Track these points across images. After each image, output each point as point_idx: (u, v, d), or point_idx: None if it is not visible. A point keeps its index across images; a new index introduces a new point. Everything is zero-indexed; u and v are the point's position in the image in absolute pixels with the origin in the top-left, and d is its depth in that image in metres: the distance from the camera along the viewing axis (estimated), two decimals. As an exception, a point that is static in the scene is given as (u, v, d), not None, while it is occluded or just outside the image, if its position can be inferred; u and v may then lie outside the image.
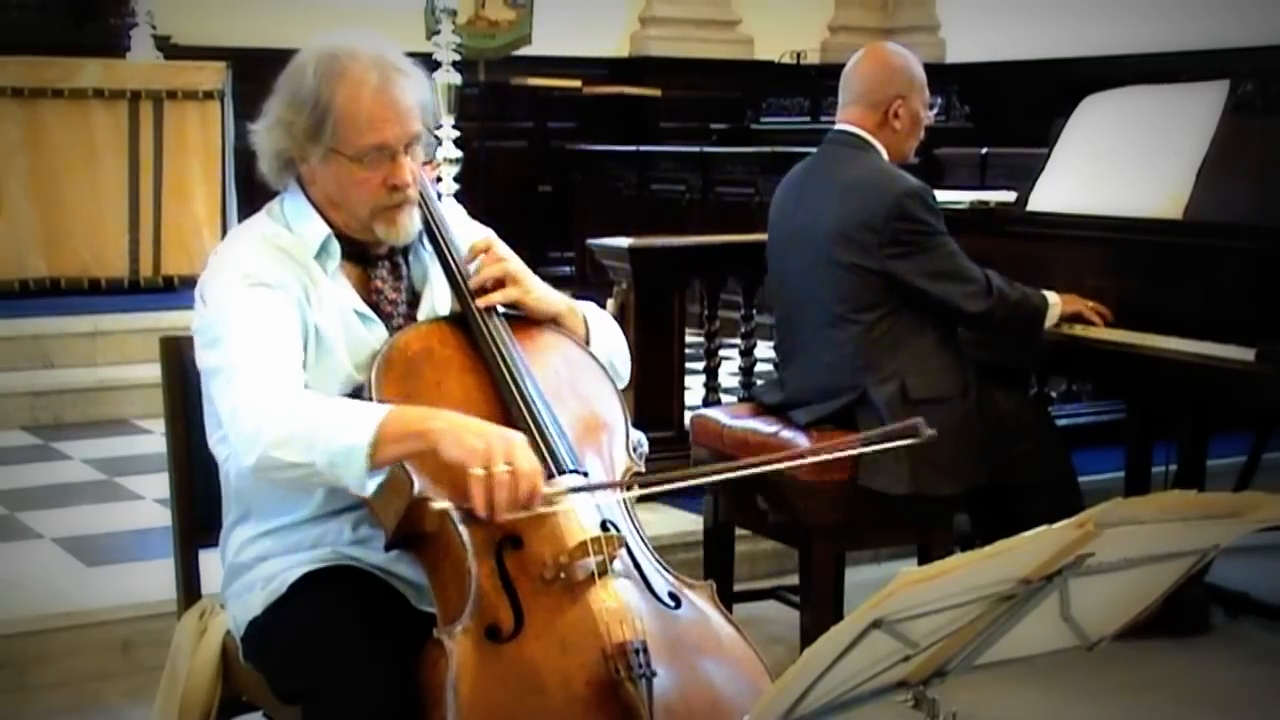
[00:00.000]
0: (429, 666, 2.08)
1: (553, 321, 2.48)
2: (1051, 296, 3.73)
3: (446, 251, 2.43)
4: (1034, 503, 3.66)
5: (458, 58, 6.54)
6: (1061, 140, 4.11)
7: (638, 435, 2.42)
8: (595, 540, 2.15)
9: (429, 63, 5.59)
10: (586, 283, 8.35)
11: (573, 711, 2.03)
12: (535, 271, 2.49)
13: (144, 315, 6.47)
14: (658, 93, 10.28)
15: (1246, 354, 3.36)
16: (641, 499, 2.41)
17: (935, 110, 3.94)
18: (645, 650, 2.06)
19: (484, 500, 2.09)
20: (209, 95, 7.23)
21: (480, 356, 2.34)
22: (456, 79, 6.52)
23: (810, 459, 2.17)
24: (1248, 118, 3.73)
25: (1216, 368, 3.44)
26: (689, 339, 4.89)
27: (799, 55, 10.75)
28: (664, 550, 2.39)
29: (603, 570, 2.14)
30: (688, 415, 4.47)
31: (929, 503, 3.56)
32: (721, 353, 5.08)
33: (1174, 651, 3.92)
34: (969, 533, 4.02)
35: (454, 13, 6.67)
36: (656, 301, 4.69)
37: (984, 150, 7.43)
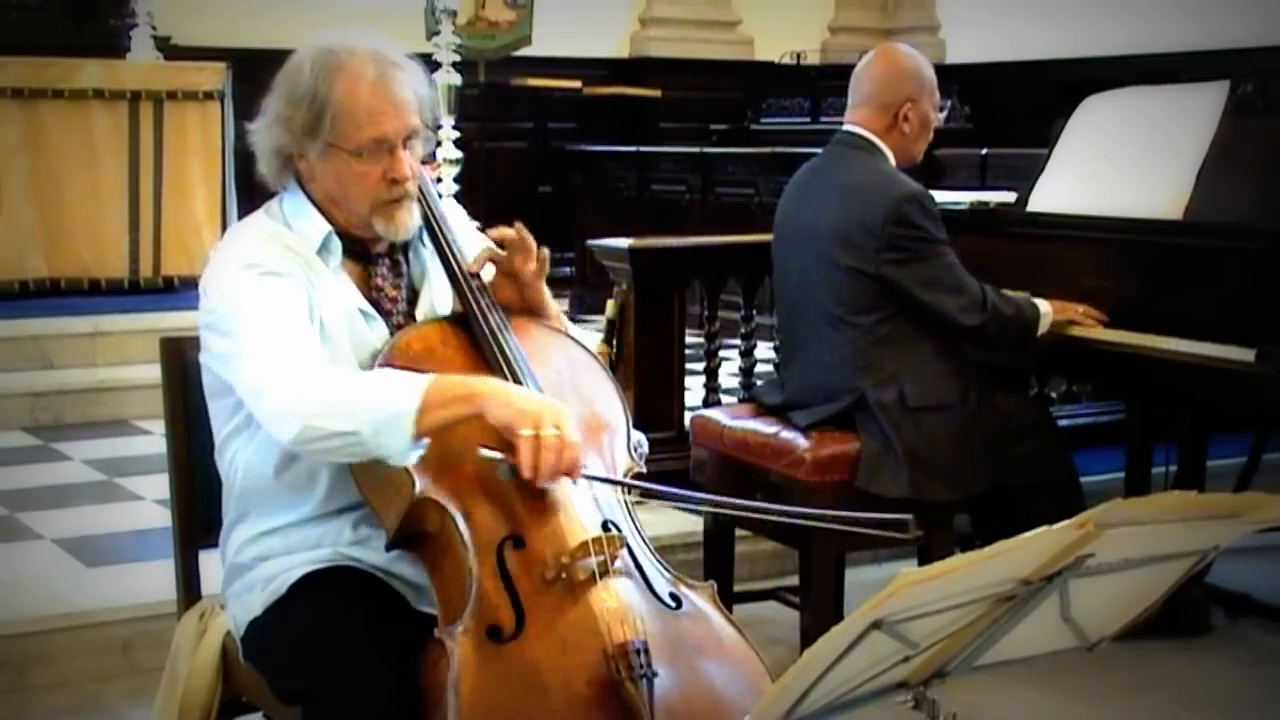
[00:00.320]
0: (430, 667, 2.08)
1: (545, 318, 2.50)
2: (1044, 305, 3.71)
3: (447, 249, 2.43)
4: (1035, 503, 3.65)
5: (458, 58, 6.55)
6: (1062, 141, 4.11)
7: (638, 435, 2.42)
8: (596, 540, 2.16)
9: (429, 63, 5.57)
10: (586, 283, 8.35)
11: (574, 711, 2.03)
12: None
13: (144, 316, 6.47)
14: (658, 93, 10.28)
15: (1246, 354, 3.35)
16: (641, 499, 2.41)
17: (945, 113, 3.92)
18: (646, 650, 2.06)
19: (531, 461, 2.10)
20: (209, 96, 7.22)
21: (482, 356, 2.34)
22: (456, 80, 6.52)
23: (814, 523, 2.20)
24: (1248, 118, 3.72)
25: (1216, 368, 3.43)
26: (689, 339, 4.88)
27: (799, 56, 10.73)
28: (664, 550, 2.39)
29: (604, 570, 2.15)
30: (688, 416, 4.47)
31: (928, 506, 3.56)
32: (722, 353, 5.07)
33: (1174, 652, 3.91)
34: (969, 533, 4.02)
35: (454, 13, 6.68)
36: (656, 302, 4.69)
37: (984, 151, 7.42)
